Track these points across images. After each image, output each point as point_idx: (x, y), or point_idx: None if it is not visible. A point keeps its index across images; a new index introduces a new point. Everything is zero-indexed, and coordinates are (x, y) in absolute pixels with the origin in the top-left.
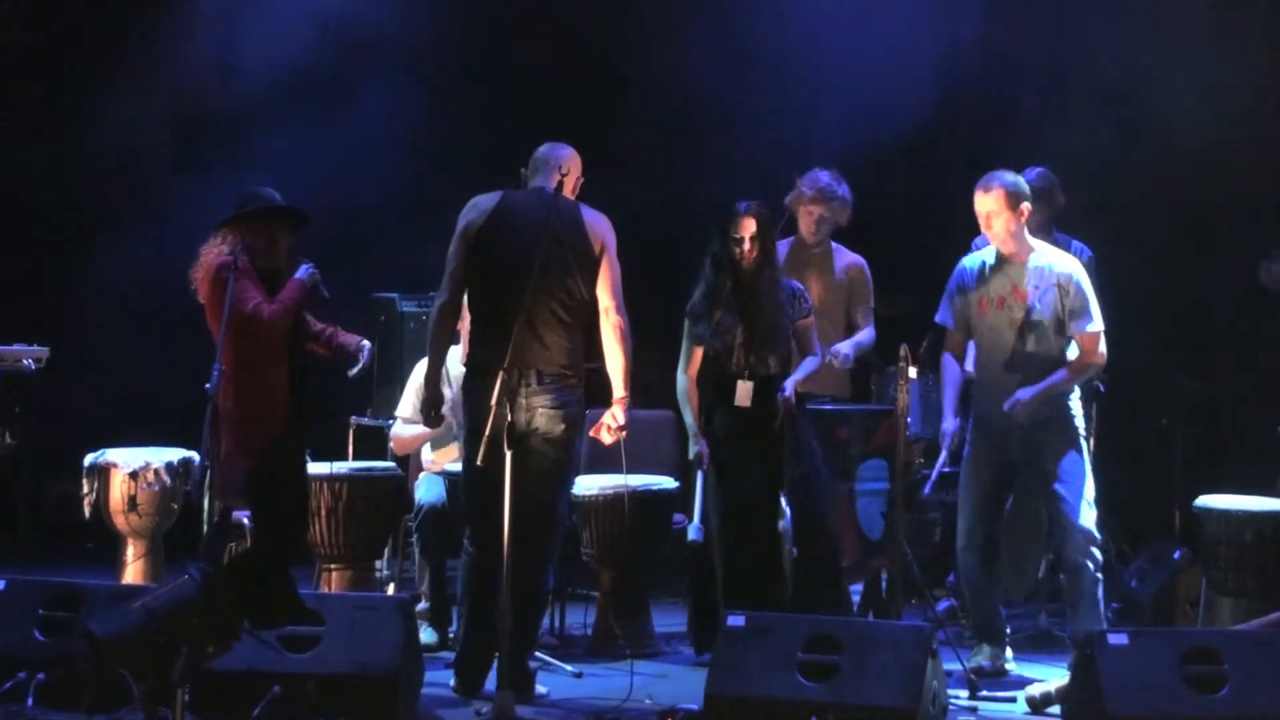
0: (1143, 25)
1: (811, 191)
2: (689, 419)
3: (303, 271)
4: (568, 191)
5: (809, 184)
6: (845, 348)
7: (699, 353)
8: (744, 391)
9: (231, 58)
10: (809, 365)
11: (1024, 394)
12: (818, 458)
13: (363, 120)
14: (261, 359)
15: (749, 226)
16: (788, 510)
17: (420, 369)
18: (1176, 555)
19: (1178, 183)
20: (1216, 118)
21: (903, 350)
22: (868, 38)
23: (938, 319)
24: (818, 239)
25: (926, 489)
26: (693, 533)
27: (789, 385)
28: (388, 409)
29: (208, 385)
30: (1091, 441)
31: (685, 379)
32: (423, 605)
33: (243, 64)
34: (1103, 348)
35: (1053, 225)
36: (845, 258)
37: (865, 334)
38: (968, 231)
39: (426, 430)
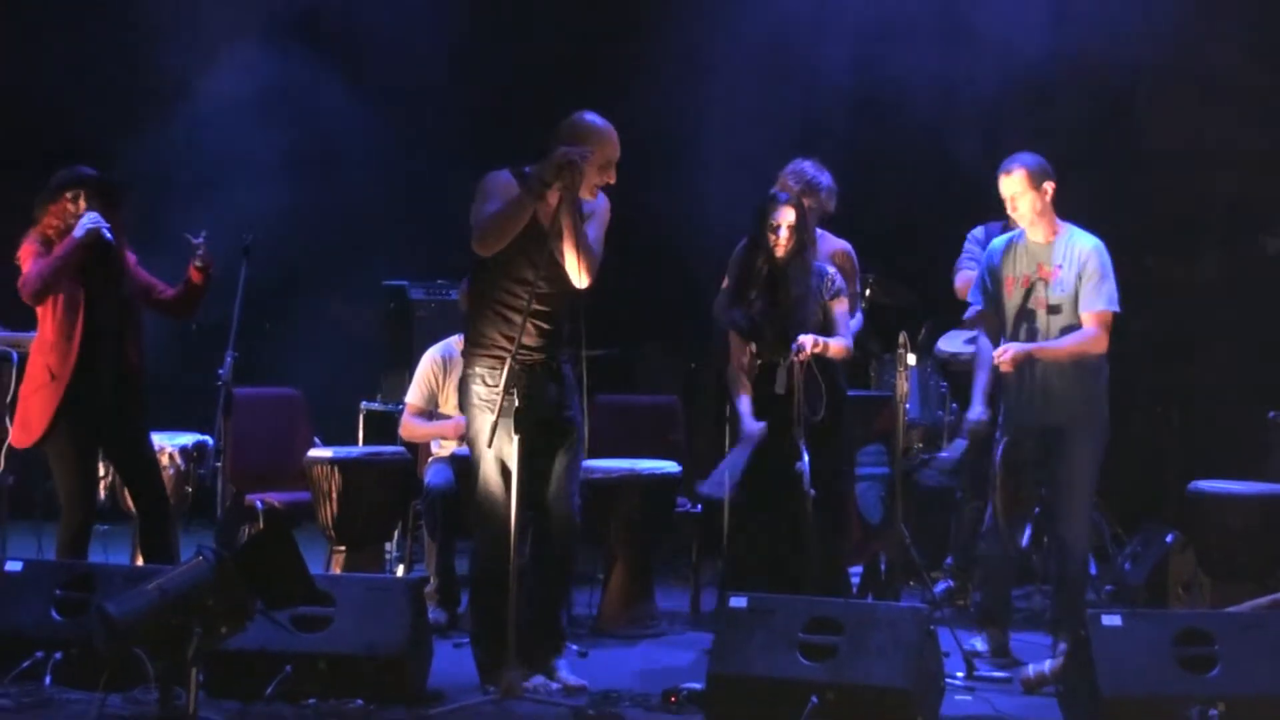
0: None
1: (798, 184)
2: (740, 406)
3: (77, 229)
4: None
5: (793, 175)
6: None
7: (744, 348)
8: (782, 378)
9: (234, 44)
10: (835, 341)
11: (1016, 347)
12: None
13: (372, 97)
14: (43, 333)
15: (787, 216)
16: (806, 454)
17: (428, 357)
18: (1169, 539)
19: (1169, 175)
20: (1205, 113)
21: (901, 338)
22: (868, 36)
23: (971, 299)
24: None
25: (929, 476)
26: (703, 487)
27: (807, 339)
28: (397, 395)
29: (220, 371)
30: None
31: (732, 369)
32: (431, 586)
33: (249, 52)
34: (1108, 330)
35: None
36: (831, 244)
37: (854, 321)
38: (965, 224)
39: (437, 427)
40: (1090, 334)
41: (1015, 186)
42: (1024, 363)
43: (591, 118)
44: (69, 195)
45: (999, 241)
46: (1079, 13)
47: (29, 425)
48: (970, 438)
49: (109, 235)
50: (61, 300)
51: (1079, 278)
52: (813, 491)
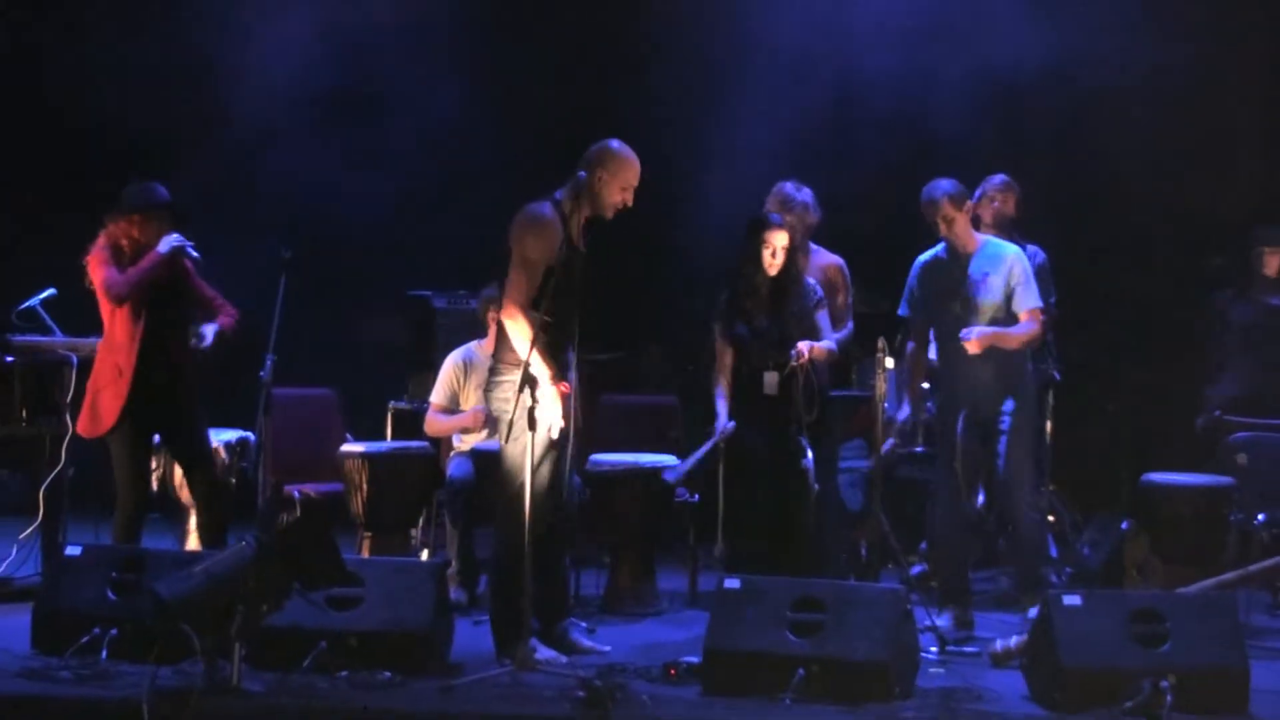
0: (1091, 44)
1: (780, 204)
2: (720, 406)
3: (163, 245)
4: (594, 188)
5: (775, 197)
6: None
7: (729, 353)
8: (771, 381)
9: (273, 60)
10: (824, 344)
11: (980, 330)
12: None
13: (399, 122)
14: (111, 333)
15: (781, 238)
16: (809, 450)
17: (450, 360)
18: (1124, 526)
19: (1122, 193)
20: (1156, 136)
21: (880, 343)
22: (856, 51)
23: (900, 312)
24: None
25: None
26: (668, 475)
27: (805, 344)
28: (422, 394)
29: (261, 373)
30: (1049, 425)
31: (717, 375)
32: (452, 569)
33: (285, 66)
34: (1039, 322)
35: (1012, 228)
36: (823, 258)
37: (845, 331)
38: (934, 241)
39: (458, 419)
40: (1031, 327)
41: (944, 211)
42: (962, 359)
43: (617, 146)
44: (148, 214)
45: (924, 259)
46: (1056, 30)
47: (99, 417)
48: (899, 435)
49: (194, 253)
50: (130, 305)
51: (1008, 283)
52: (817, 486)
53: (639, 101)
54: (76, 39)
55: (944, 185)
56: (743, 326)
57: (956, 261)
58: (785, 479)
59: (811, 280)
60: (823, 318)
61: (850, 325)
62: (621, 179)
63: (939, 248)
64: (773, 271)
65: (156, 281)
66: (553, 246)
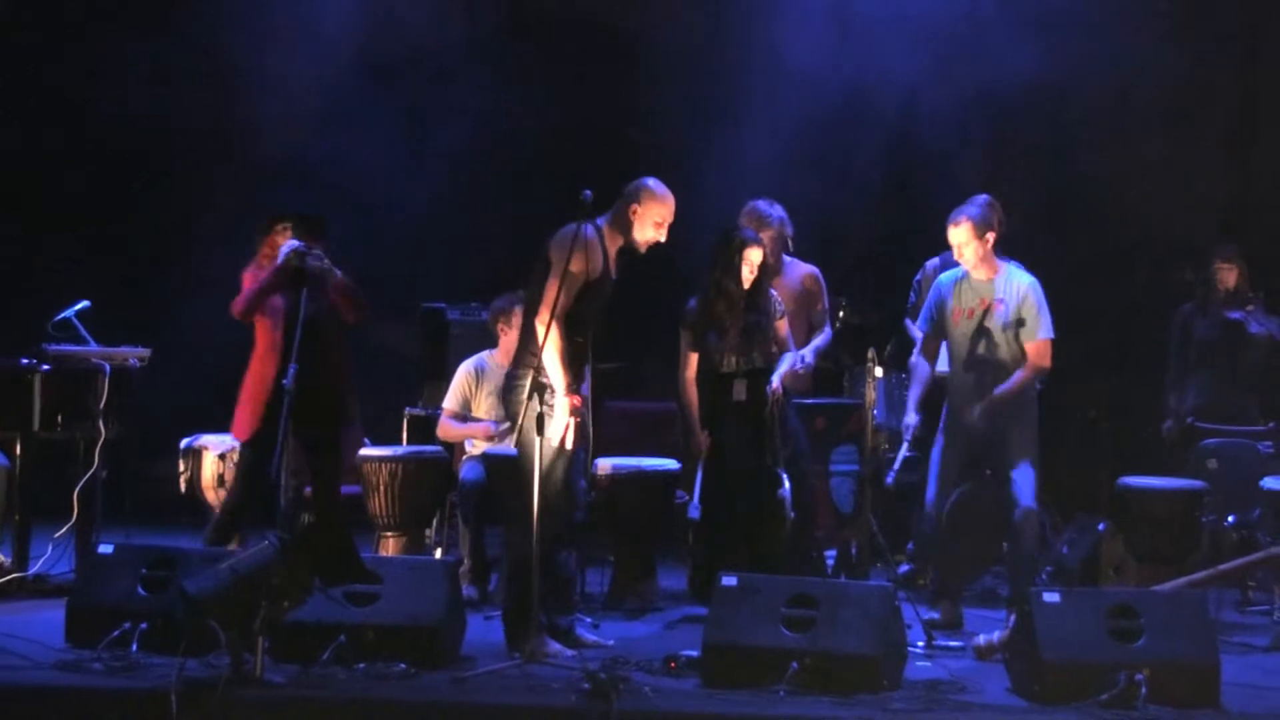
0: (1076, 75)
1: (753, 222)
2: (691, 416)
3: (280, 255)
4: (627, 219)
5: (749, 215)
6: (806, 354)
7: (695, 358)
8: (740, 388)
9: (287, 69)
10: (789, 361)
11: (985, 406)
12: (802, 439)
13: (412, 139)
14: (258, 346)
15: (758, 254)
16: (787, 481)
17: (462, 369)
18: (1101, 527)
19: (1102, 214)
20: (1132, 155)
21: (870, 353)
22: (845, 82)
23: (920, 327)
24: (771, 257)
25: (890, 477)
26: (692, 511)
27: (776, 379)
28: (436, 401)
29: (284, 381)
30: None
31: (685, 381)
32: (465, 566)
33: (298, 75)
34: (1049, 354)
35: (997, 247)
36: (800, 269)
37: (823, 337)
38: (923, 256)
39: (469, 429)
40: (1037, 360)
41: (961, 236)
42: (973, 374)
43: (652, 183)
44: (279, 229)
45: (947, 278)
46: (1040, 52)
47: (239, 424)
48: (910, 438)
49: (302, 247)
50: (268, 319)
51: (1019, 311)
52: (793, 514)
53: (643, 114)
54: (94, 44)
55: (968, 210)
56: (714, 335)
57: (973, 285)
58: (760, 494)
59: (774, 293)
60: (784, 328)
61: (828, 331)
62: (653, 214)
63: (959, 271)
64: (747, 285)
65: (278, 289)
66: (596, 266)
